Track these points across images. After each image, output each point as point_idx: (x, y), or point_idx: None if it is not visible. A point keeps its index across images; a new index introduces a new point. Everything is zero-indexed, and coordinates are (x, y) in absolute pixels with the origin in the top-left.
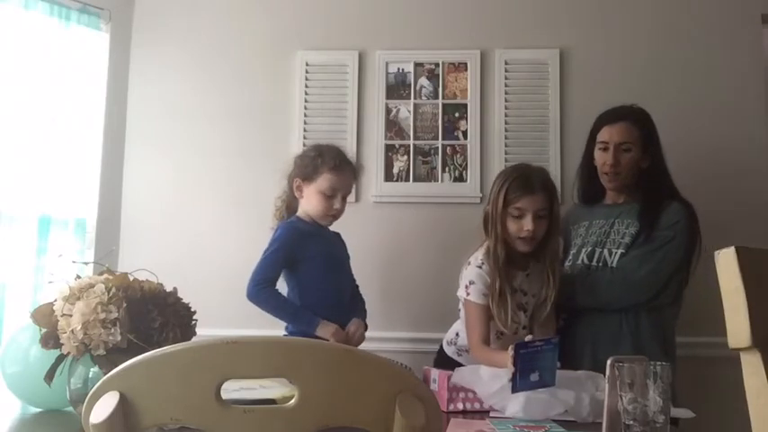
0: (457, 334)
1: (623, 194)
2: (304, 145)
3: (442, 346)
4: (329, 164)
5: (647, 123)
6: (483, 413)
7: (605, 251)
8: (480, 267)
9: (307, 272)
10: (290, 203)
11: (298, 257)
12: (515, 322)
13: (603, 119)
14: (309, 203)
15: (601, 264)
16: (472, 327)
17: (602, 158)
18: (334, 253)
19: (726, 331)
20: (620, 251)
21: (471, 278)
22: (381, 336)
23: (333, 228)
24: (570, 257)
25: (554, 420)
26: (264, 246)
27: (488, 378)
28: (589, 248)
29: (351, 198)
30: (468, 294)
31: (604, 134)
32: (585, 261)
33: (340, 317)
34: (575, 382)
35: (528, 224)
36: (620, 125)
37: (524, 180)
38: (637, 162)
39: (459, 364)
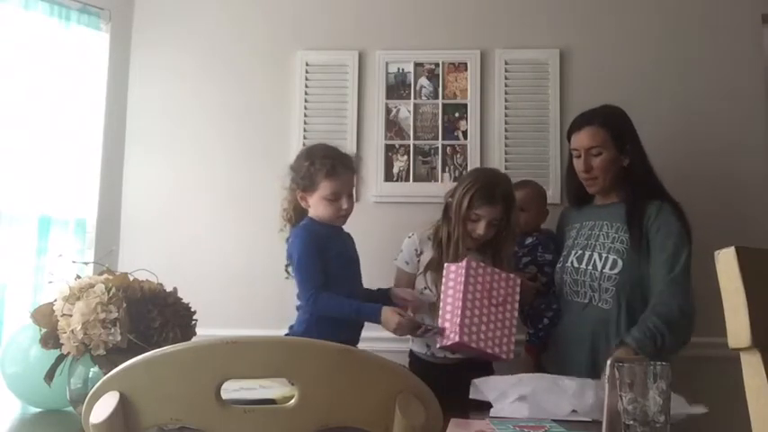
0: None
1: (611, 194)
2: (304, 145)
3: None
4: (323, 171)
5: (616, 122)
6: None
7: (595, 254)
8: (410, 237)
9: (328, 274)
10: (297, 204)
11: (323, 258)
12: None
13: (571, 126)
14: (317, 211)
15: (590, 267)
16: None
17: (577, 165)
18: (348, 252)
19: (726, 331)
20: (612, 256)
21: (402, 247)
22: (381, 336)
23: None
24: (561, 259)
25: (554, 420)
26: (264, 245)
27: (497, 386)
28: (579, 251)
29: None
30: (396, 260)
31: (574, 141)
32: (575, 264)
33: (353, 324)
34: (578, 381)
35: (480, 229)
36: (586, 130)
37: (489, 191)
38: (612, 162)
39: (418, 355)
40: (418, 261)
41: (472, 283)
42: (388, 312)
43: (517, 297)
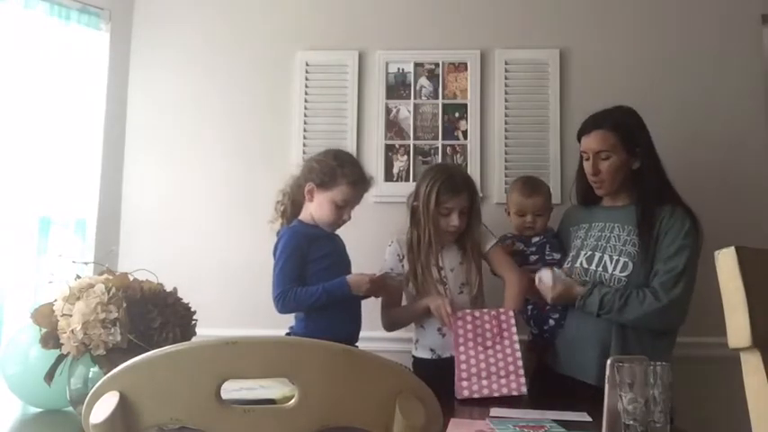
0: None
1: (621, 196)
2: (304, 145)
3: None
4: (349, 177)
5: (627, 125)
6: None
7: (605, 257)
8: (390, 245)
9: (313, 274)
10: (295, 199)
11: (306, 261)
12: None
13: (581, 128)
14: (320, 210)
15: (601, 269)
16: (383, 298)
17: (586, 168)
18: (338, 254)
19: (726, 331)
20: (623, 259)
21: (385, 257)
22: (381, 336)
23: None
24: (569, 260)
25: (554, 420)
26: (265, 245)
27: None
28: (588, 252)
29: None
30: (380, 271)
31: (583, 144)
32: (585, 265)
33: (352, 318)
34: None
35: (455, 220)
36: (596, 134)
37: (452, 182)
38: (622, 166)
39: (423, 360)
40: (403, 267)
41: (462, 335)
42: (353, 277)
43: (513, 329)
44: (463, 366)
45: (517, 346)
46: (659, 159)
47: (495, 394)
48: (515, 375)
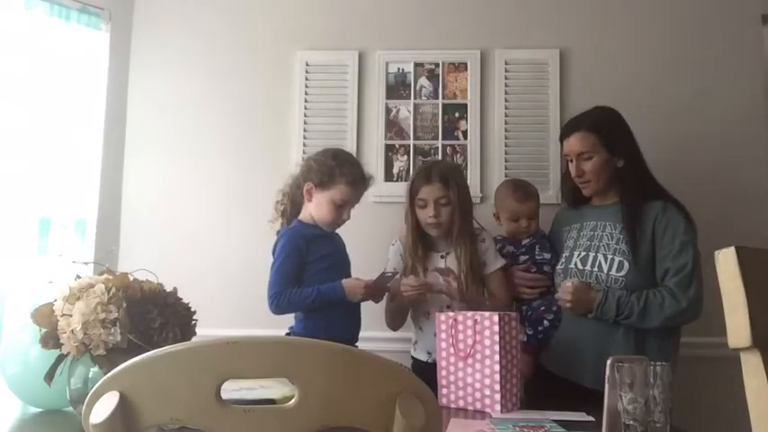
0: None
1: (609, 194)
2: (304, 145)
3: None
4: (348, 177)
5: (605, 125)
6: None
7: (600, 256)
8: (394, 245)
9: (313, 275)
10: (295, 199)
11: (304, 262)
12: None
13: (562, 132)
14: (318, 210)
15: (596, 269)
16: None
17: (571, 170)
18: (338, 254)
19: (726, 331)
20: (618, 258)
21: (389, 256)
22: (381, 336)
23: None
24: (563, 260)
25: (554, 420)
26: (264, 245)
27: None
28: (582, 253)
29: None
30: (385, 270)
31: (565, 147)
32: (579, 266)
33: (352, 318)
34: None
35: (430, 211)
36: (575, 136)
37: (425, 172)
38: (605, 165)
39: (420, 362)
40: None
41: (444, 339)
42: (349, 283)
43: (496, 338)
44: (443, 372)
45: (497, 357)
46: (641, 156)
47: (470, 408)
48: (491, 390)
